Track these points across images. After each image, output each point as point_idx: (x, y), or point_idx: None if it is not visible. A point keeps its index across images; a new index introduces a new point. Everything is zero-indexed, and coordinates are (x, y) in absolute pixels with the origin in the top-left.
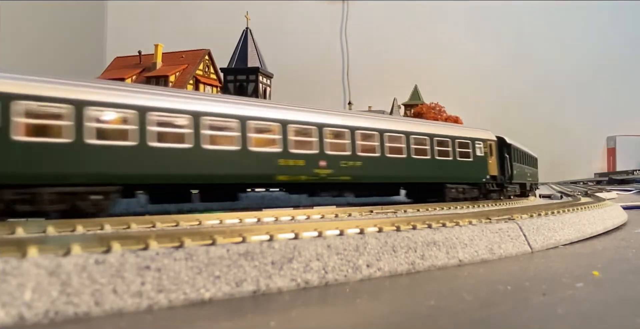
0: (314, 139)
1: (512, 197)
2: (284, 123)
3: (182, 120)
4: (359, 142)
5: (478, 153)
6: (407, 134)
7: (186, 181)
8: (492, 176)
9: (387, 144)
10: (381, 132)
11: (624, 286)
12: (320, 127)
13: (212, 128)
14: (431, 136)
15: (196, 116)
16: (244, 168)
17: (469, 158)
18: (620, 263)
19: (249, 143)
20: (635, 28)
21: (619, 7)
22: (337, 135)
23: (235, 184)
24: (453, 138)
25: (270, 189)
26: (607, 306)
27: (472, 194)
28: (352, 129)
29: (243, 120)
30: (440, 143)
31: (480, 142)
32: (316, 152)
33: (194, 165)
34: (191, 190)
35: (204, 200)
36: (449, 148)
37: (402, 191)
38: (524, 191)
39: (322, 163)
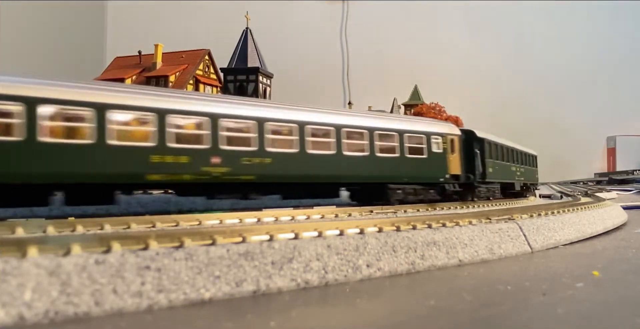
0: (205, 132)
1: (491, 198)
2: (162, 113)
3: (7, 107)
4: (269, 136)
5: (434, 149)
6: (338, 127)
7: (20, 180)
8: (453, 176)
9: (308, 139)
10: (301, 124)
11: (624, 286)
12: (215, 117)
13: (54, 118)
14: (370, 129)
15: (30, 104)
16: (100, 165)
17: (422, 155)
18: (620, 263)
19: (108, 137)
20: (636, 28)
21: (619, 7)
22: (239, 128)
23: (108, 185)
24: (401, 132)
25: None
26: (607, 306)
27: (429, 196)
28: (261, 121)
29: (101, 109)
30: (382, 138)
31: (438, 137)
32: (207, 146)
33: (29, 162)
34: (54, 191)
35: (71, 203)
36: (395, 144)
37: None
38: (515, 192)
39: (215, 160)
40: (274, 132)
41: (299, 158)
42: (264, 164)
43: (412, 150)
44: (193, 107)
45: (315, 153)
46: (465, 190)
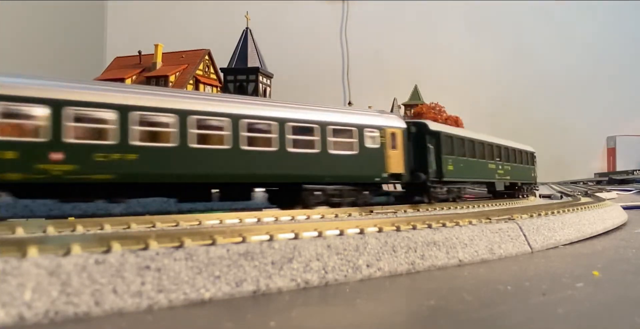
0: (43, 123)
1: (455, 200)
2: None
3: None
4: (135, 128)
5: (369, 144)
6: (235, 118)
7: None
8: (393, 175)
9: (192, 131)
10: (183, 114)
11: (624, 286)
12: (57, 105)
13: None
14: (281, 121)
15: None
16: None
17: (352, 150)
18: (620, 263)
19: None
20: (636, 28)
21: (619, 7)
22: (92, 118)
23: None
24: (323, 124)
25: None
26: (607, 306)
27: (362, 198)
28: (125, 110)
29: None
30: (297, 131)
31: (374, 130)
32: (44, 140)
33: None
34: None
35: None
36: (315, 137)
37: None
38: (505, 192)
39: (57, 155)
40: (144, 123)
41: (179, 154)
42: (127, 161)
43: (339, 145)
44: (25, 93)
45: (201, 148)
46: (417, 190)
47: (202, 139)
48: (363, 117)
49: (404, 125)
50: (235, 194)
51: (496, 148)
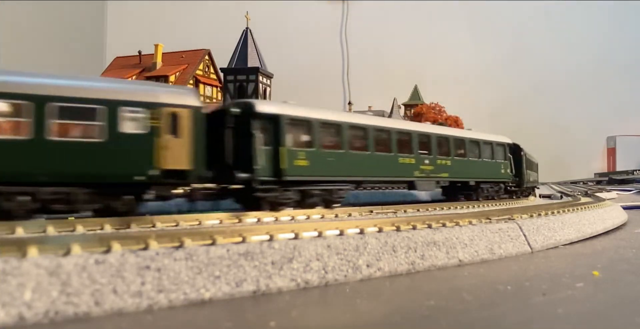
0: None
1: (330, 206)
2: None
3: None
4: None
5: (127, 128)
6: None
7: None
8: (172, 172)
9: None
10: None
11: (624, 286)
12: None
13: None
14: None
15: None
16: None
17: (94, 137)
18: (620, 263)
19: None
20: (637, 28)
21: (619, 7)
22: None
23: None
24: (38, 99)
25: None
26: (607, 306)
27: (126, 204)
28: None
29: None
30: None
31: (139, 109)
32: None
33: None
34: None
35: None
36: (22, 119)
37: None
38: (465, 193)
39: None
40: None
41: None
42: None
43: (69, 130)
44: None
45: None
46: (241, 193)
47: None
48: (119, 91)
49: (197, 103)
50: None
51: (420, 138)
